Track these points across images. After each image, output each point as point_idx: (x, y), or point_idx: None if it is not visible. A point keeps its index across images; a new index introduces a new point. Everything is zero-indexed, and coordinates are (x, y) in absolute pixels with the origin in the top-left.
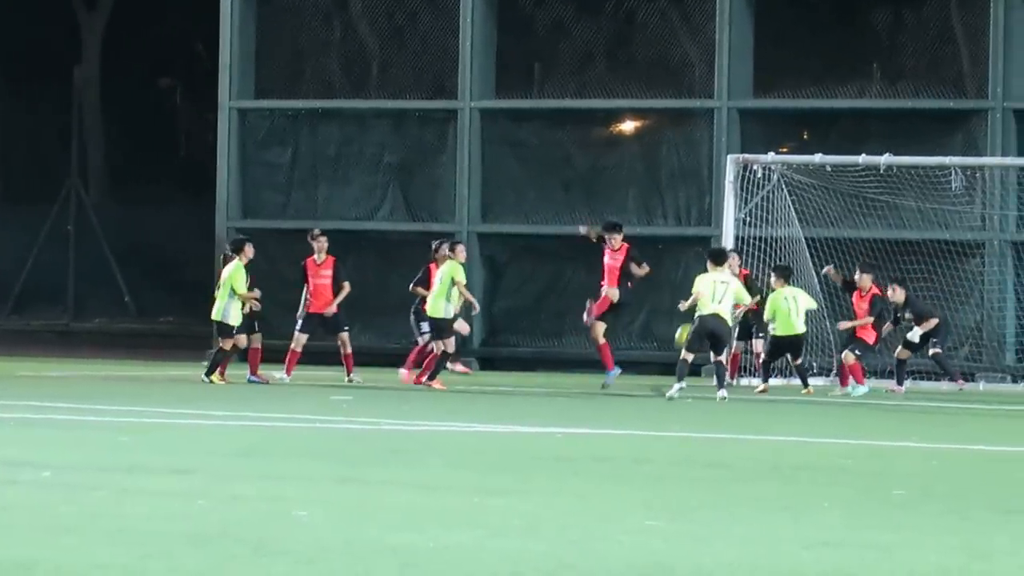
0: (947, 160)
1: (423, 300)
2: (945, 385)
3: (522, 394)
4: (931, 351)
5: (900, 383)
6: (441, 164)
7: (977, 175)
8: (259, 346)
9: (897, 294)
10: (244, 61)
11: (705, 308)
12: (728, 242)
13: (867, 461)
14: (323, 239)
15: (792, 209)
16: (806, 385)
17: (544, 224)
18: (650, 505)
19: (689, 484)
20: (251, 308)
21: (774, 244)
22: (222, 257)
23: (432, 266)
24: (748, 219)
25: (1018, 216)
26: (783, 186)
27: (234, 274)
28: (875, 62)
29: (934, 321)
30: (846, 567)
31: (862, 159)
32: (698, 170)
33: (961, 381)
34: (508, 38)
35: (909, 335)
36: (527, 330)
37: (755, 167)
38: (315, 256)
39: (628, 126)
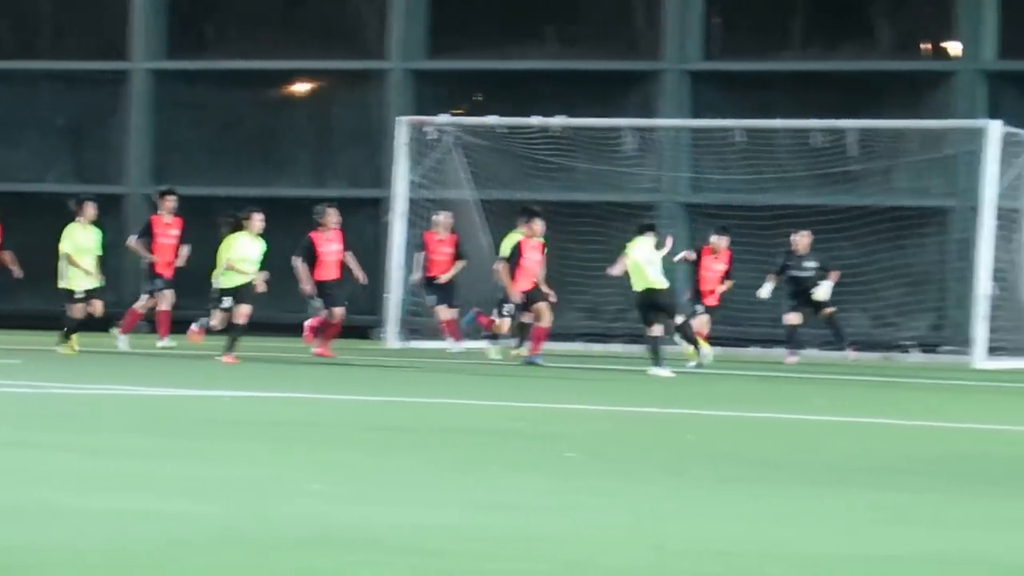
0: (620, 122)
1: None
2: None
3: (195, 357)
4: (824, 311)
5: (794, 351)
6: (113, 126)
7: (650, 137)
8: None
9: (804, 240)
10: None
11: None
12: (399, 205)
13: (541, 424)
14: (170, 199)
15: (466, 171)
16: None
17: (217, 186)
18: (316, 468)
19: (356, 447)
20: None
21: (447, 206)
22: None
23: (314, 235)
24: (421, 181)
25: (691, 178)
26: (456, 148)
27: (65, 235)
28: (550, 24)
29: (838, 273)
30: (515, 529)
31: (535, 120)
32: (370, 132)
33: (851, 350)
34: None
35: (817, 292)
36: (202, 293)
37: (428, 129)
38: (162, 215)
39: (301, 88)
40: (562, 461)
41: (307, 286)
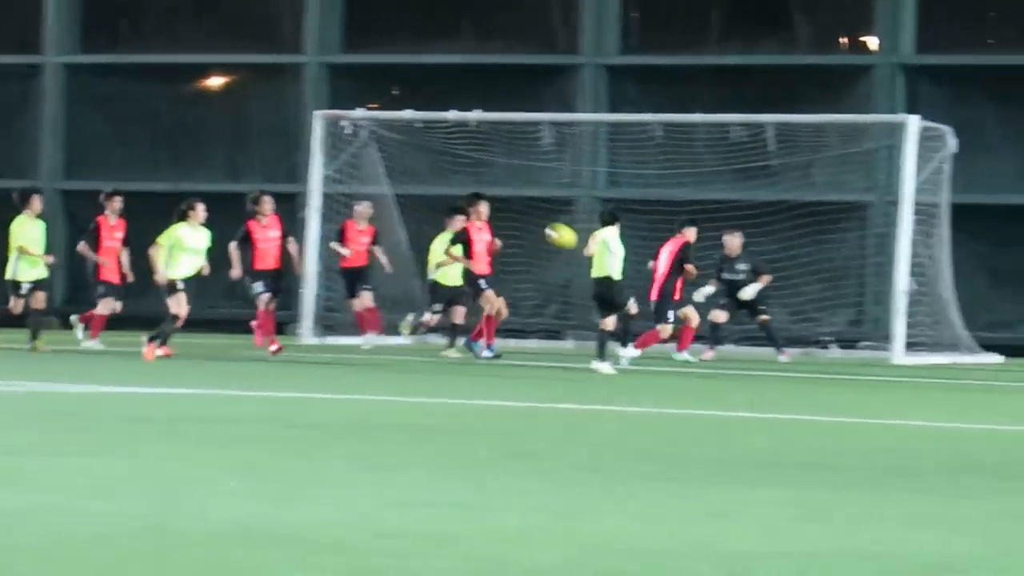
0: (537, 116)
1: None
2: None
3: (108, 353)
4: (760, 317)
5: (712, 347)
6: (25, 120)
7: (568, 131)
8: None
9: (735, 241)
10: None
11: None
12: (315, 200)
13: (456, 421)
14: (117, 199)
15: (382, 166)
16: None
17: (130, 181)
18: (233, 465)
19: (273, 444)
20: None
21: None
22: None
23: (251, 223)
24: (337, 176)
25: (608, 172)
26: (372, 143)
27: (15, 228)
28: (466, 18)
29: (769, 277)
30: (431, 526)
31: (452, 115)
32: (286, 126)
33: (786, 352)
34: None
35: (744, 293)
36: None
37: (344, 123)
38: (108, 216)
39: (216, 82)
40: (479, 458)
41: (235, 270)
